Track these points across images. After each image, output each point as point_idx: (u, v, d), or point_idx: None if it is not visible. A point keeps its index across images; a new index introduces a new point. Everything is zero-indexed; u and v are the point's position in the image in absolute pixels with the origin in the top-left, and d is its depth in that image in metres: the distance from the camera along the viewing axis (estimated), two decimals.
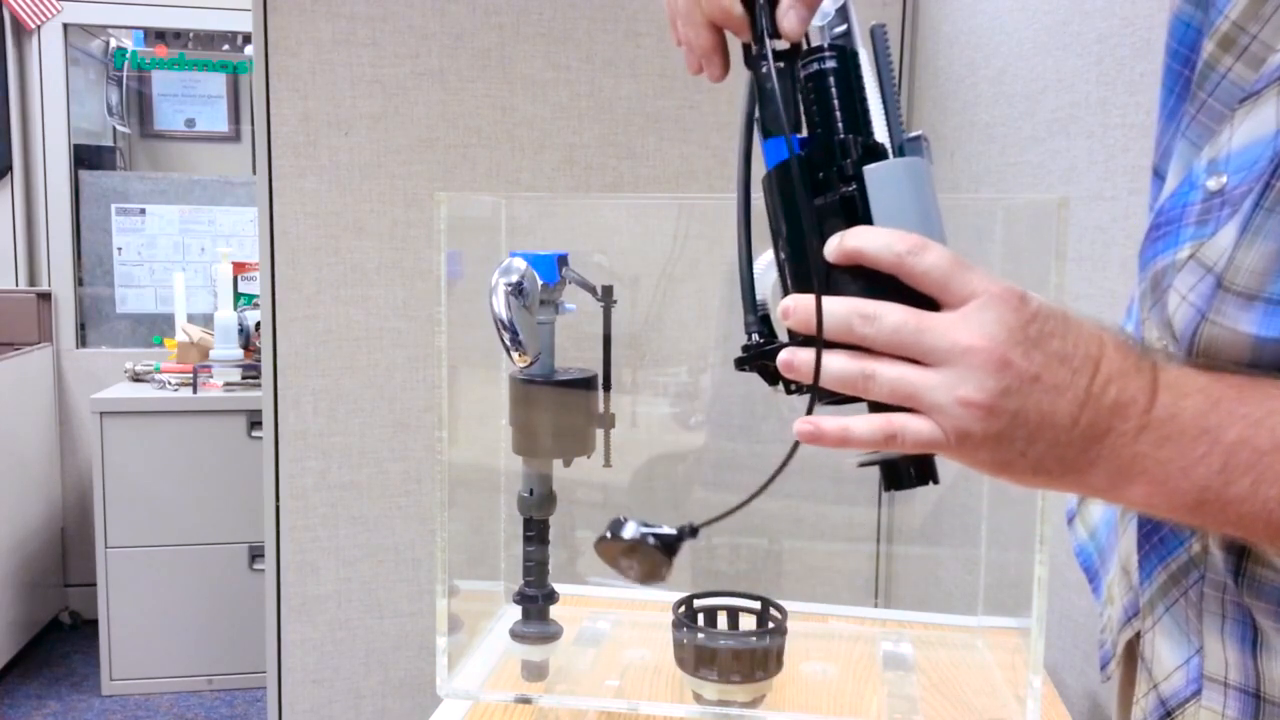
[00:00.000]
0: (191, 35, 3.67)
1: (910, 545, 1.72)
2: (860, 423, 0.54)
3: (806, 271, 0.57)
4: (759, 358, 0.59)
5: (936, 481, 0.58)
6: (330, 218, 1.73)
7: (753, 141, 0.61)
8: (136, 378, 3.05)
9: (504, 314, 0.94)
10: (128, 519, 2.85)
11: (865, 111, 0.58)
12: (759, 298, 0.60)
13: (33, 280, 3.40)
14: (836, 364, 0.54)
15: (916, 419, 0.53)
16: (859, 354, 0.54)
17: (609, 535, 0.69)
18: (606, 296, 1.04)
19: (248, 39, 3.56)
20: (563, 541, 1.06)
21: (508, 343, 0.95)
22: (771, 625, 1.02)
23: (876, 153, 0.57)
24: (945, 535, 1.58)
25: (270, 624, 1.78)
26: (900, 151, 0.58)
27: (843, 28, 0.60)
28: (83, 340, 3.46)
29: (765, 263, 0.60)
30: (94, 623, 2.97)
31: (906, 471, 0.58)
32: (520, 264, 0.96)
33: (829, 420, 0.55)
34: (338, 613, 1.80)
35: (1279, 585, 0.56)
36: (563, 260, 1.00)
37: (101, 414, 2.82)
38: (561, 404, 1.01)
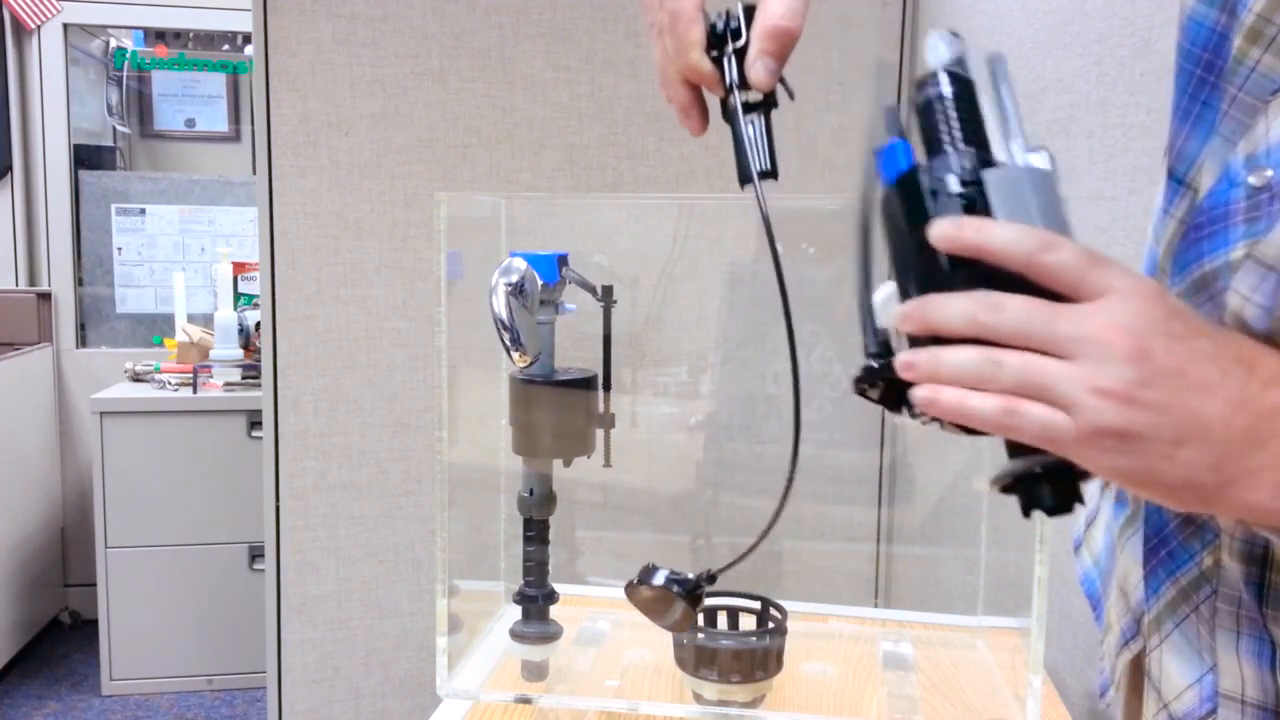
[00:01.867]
0: (191, 35, 3.67)
1: (910, 545, 1.72)
2: (980, 397, 0.49)
3: (925, 281, 0.53)
4: (878, 374, 0.56)
5: (1083, 503, 0.53)
6: (330, 218, 1.73)
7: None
8: (136, 378, 3.05)
9: (504, 314, 0.94)
10: (128, 519, 2.85)
11: (982, 131, 0.56)
12: (879, 325, 0.57)
13: (33, 280, 3.41)
14: (959, 355, 0.50)
15: (1044, 408, 0.48)
16: (984, 347, 0.49)
17: (638, 582, 0.68)
18: (606, 296, 1.04)
19: (248, 39, 3.56)
20: (563, 541, 1.06)
21: (508, 343, 0.95)
22: (771, 625, 1.02)
23: (995, 166, 0.55)
24: (945, 535, 1.58)
25: (270, 624, 1.78)
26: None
27: (959, 65, 0.58)
28: (83, 340, 3.46)
29: (886, 293, 0.57)
30: (94, 623, 2.97)
31: (1045, 493, 0.52)
32: (520, 264, 0.96)
33: (948, 391, 0.50)
34: (338, 613, 1.80)
35: None
36: (563, 260, 1.00)
37: (101, 414, 2.82)
38: (561, 404, 1.01)
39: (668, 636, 1.02)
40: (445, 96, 1.73)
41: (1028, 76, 1.39)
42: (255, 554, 2.89)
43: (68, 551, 3.38)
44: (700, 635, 1.00)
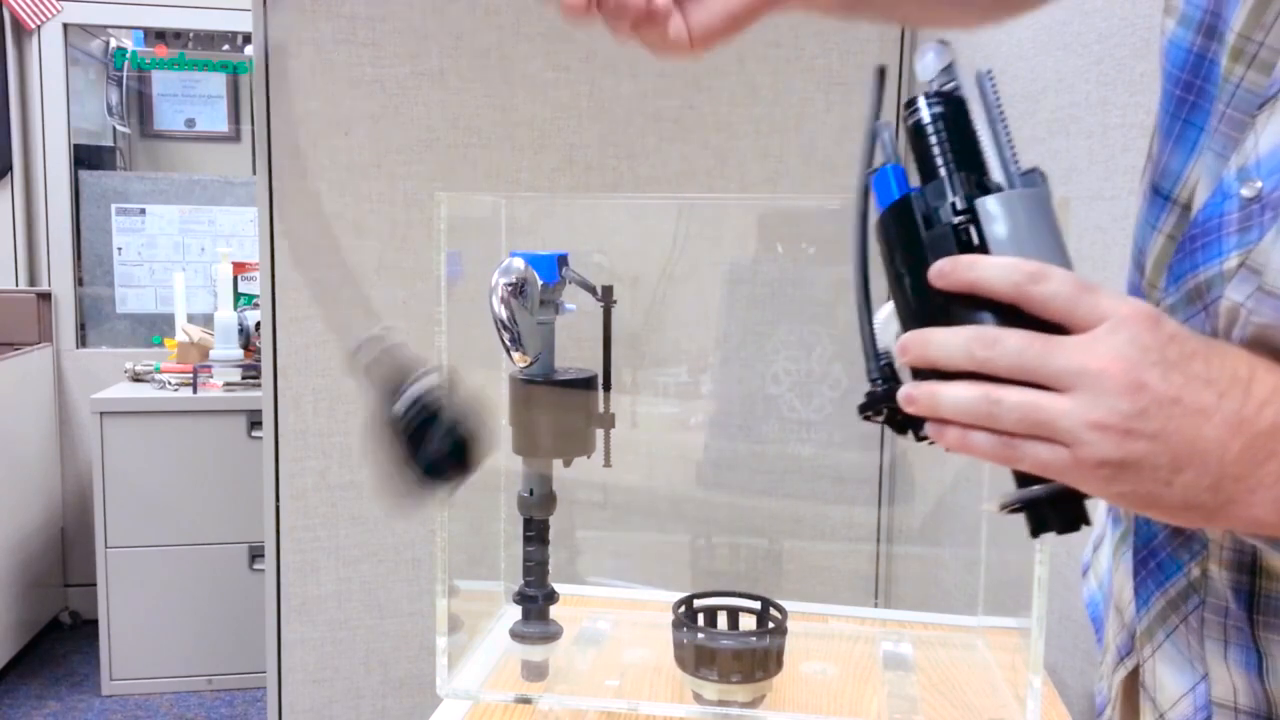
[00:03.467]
0: (191, 35, 3.67)
1: (910, 545, 1.72)
2: (981, 435, 0.51)
3: (923, 309, 0.54)
4: (881, 401, 0.57)
5: (1089, 524, 0.54)
6: (330, 218, 1.73)
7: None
8: (136, 378, 3.05)
9: (504, 314, 0.94)
10: (128, 519, 2.85)
11: (978, 153, 0.57)
12: (881, 347, 0.58)
13: (33, 280, 3.40)
14: (957, 392, 0.51)
15: (1043, 445, 0.49)
16: (982, 382, 0.51)
17: None
18: (606, 296, 1.04)
19: (248, 39, 3.56)
20: (563, 541, 1.06)
21: (508, 343, 0.95)
22: (771, 625, 1.02)
23: (990, 190, 0.55)
24: (945, 535, 1.58)
25: (270, 624, 1.78)
26: (1014, 188, 0.56)
27: (952, 84, 0.58)
28: (83, 340, 3.46)
29: (887, 313, 0.58)
30: (94, 623, 2.97)
31: (1052, 516, 0.53)
32: (520, 264, 0.96)
33: (951, 430, 0.52)
34: (338, 613, 1.80)
35: None
36: (563, 260, 1.00)
37: (101, 414, 2.82)
38: (561, 404, 1.01)
39: (668, 636, 1.02)
40: (445, 96, 1.73)
41: (1028, 76, 1.39)
42: (255, 554, 2.89)
43: (68, 551, 3.38)
44: (700, 635, 1.00)
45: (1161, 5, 0.65)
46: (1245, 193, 0.55)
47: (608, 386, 1.04)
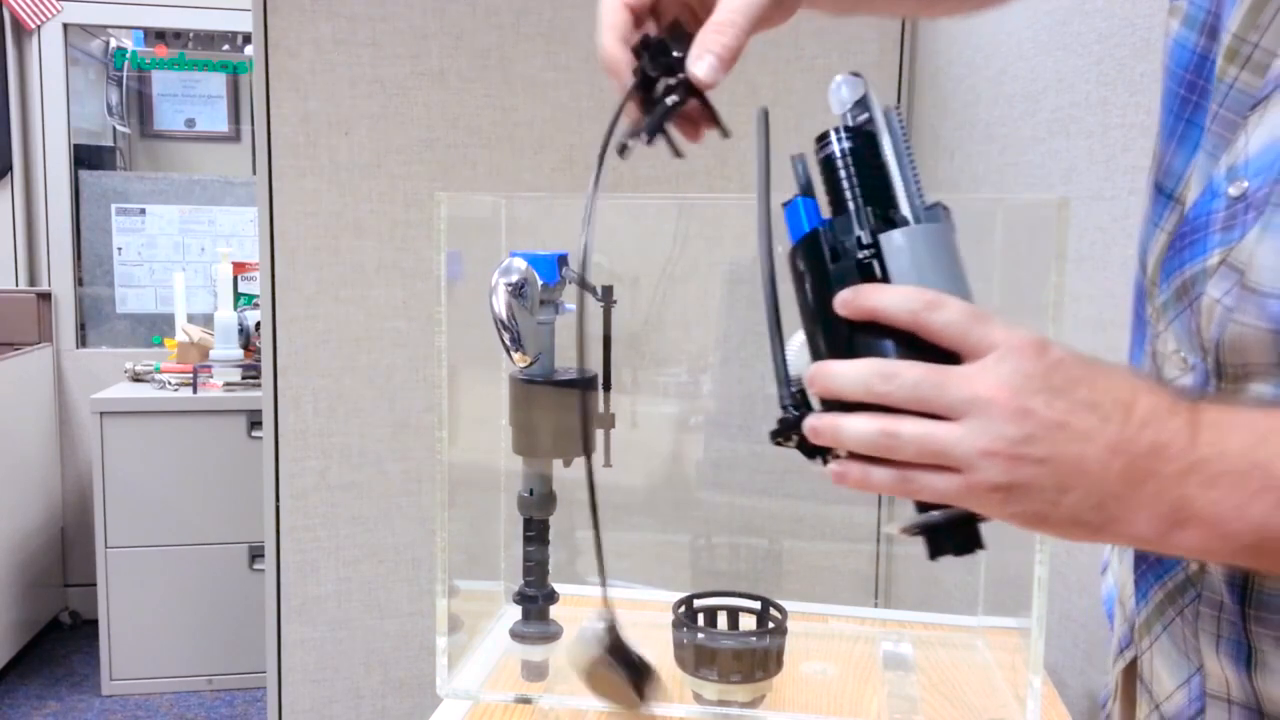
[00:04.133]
0: (191, 35, 3.67)
1: (910, 545, 1.72)
2: (880, 471, 0.54)
3: (829, 339, 0.57)
4: (791, 428, 0.59)
5: (983, 548, 0.57)
6: (330, 218, 1.73)
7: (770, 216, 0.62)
8: (136, 378, 3.05)
9: (504, 314, 0.94)
10: (128, 519, 2.85)
11: (885, 187, 0.59)
12: (794, 374, 0.60)
13: (33, 280, 3.41)
14: (858, 425, 0.54)
15: (937, 474, 0.52)
16: (883, 414, 0.53)
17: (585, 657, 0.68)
18: (606, 296, 1.04)
19: (248, 39, 3.56)
20: (563, 541, 1.06)
21: (508, 343, 0.95)
22: (771, 625, 1.02)
23: (896, 224, 0.58)
24: None
25: (270, 624, 1.78)
26: (919, 222, 0.58)
27: (864, 115, 0.60)
28: (83, 340, 3.46)
29: (800, 342, 0.60)
30: (94, 623, 2.97)
31: (948, 539, 0.57)
32: (520, 264, 0.96)
33: (854, 468, 0.55)
34: (338, 613, 1.80)
35: None
36: (563, 260, 1.00)
37: (101, 414, 2.82)
38: (561, 404, 1.01)
39: (668, 636, 1.02)
40: (445, 96, 1.73)
41: (1028, 76, 1.39)
42: (255, 554, 2.89)
43: (68, 551, 3.38)
44: (700, 635, 1.00)
45: (1166, 6, 0.66)
46: (1232, 191, 0.56)
47: (608, 386, 1.04)
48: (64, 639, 3.29)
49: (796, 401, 0.60)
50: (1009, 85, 1.45)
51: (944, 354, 0.53)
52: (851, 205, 0.58)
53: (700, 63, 0.61)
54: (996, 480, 0.51)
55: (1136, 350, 0.70)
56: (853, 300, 0.55)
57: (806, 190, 0.60)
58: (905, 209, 0.58)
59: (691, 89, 0.63)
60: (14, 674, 3.04)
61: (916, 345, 0.54)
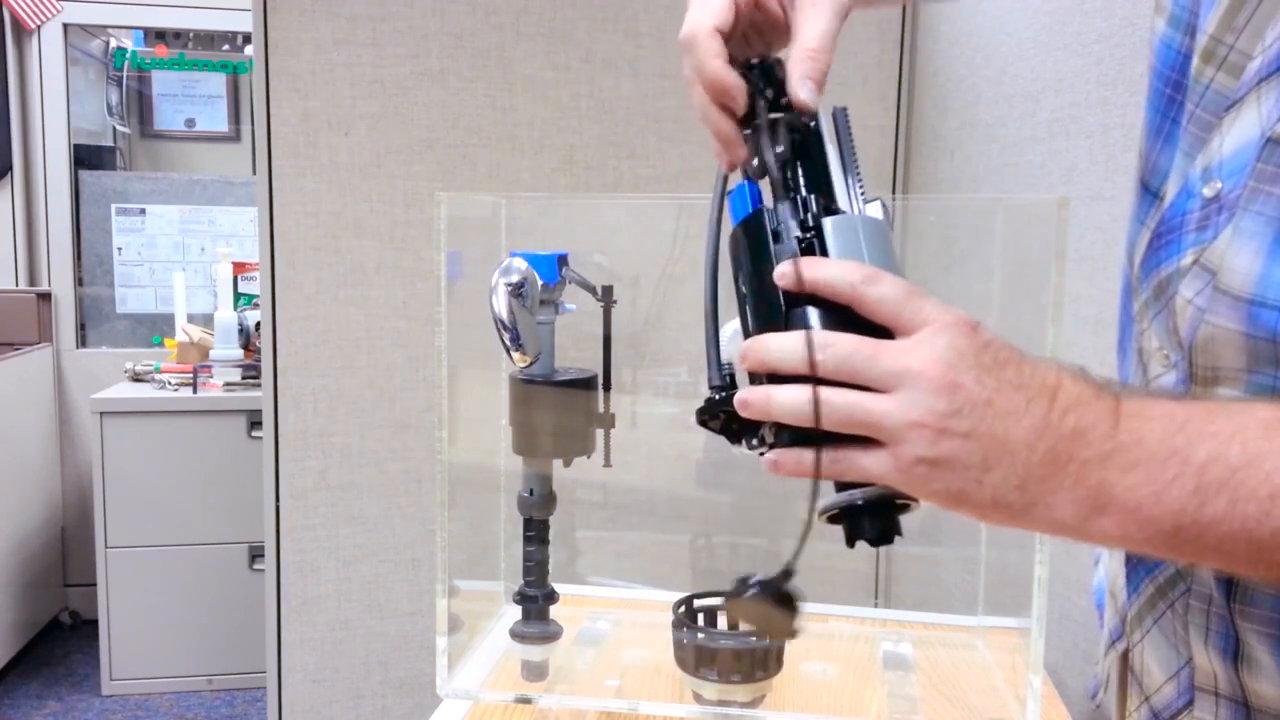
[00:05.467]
0: (191, 35, 3.67)
1: (910, 545, 1.72)
2: (812, 455, 0.54)
3: (765, 314, 0.58)
4: (718, 406, 0.60)
5: (900, 535, 0.58)
6: (330, 218, 1.73)
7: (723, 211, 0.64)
8: (136, 378, 3.05)
9: (504, 314, 0.94)
10: (128, 519, 2.85)
11: (828, 180, 0.61)
12: (725, 359, 0.62)
13: (33, 280, 3.41)
14: (787, 394, 0.54)
15: (865, 452, 0.53)
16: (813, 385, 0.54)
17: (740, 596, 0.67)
18: (606, 296, 1.04)
19: (248, 39, 3.56)
20: (563, 541, 1.06)
21: (508, 343, 0.95)
22: None
23: (836, 214, 0.60)
24: (945, 535, 1.58)
25: (270, 624, 1.78)
26: (859, 214, 0.61)
27: (810, 115, 0.63)
28: (83, 340, 3.46)
29: (733, 328, 0.62)
30: (94, 623, 2.97)
31: (868, 523, 0.57)
32: (520, 264, 0.96)
33: (788, 451, 0.56)
34: (338, 613, 1.80)
35: (1274, 596, 0.56)
36: (563, 260, 1.00)
37: (101, 414, 2.82)
38: (561, 404, 1.01)
39: (668, 636, 1.02)
40: (445, 96, 1.73)
41: (1028, 76, 1.39)
42: (255, 554, 2.89)
43: (68, 551, 3.38)
44: (700, 635, 1.00)
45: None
46: (1206, 192, 0.57)
47: (608, 386, 1.04)
48: (64, 639, 3.29)
49: (724, 384, 0.61)
50: (1009, 85, 1.45)
51: (878, 332, 0.54)
52: (795, 194, 0.61)
53: (803, 88, 0.62)
54: (922, 453, 0.51)
55: (1123, 346, 0.70)
56: (792, 272, 0.56)
57: (754, 176, 0.62)
58: (845, 202, 0.61)
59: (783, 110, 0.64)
60: (14, 674, 3.04)
61: (851, 322, 0.54)
